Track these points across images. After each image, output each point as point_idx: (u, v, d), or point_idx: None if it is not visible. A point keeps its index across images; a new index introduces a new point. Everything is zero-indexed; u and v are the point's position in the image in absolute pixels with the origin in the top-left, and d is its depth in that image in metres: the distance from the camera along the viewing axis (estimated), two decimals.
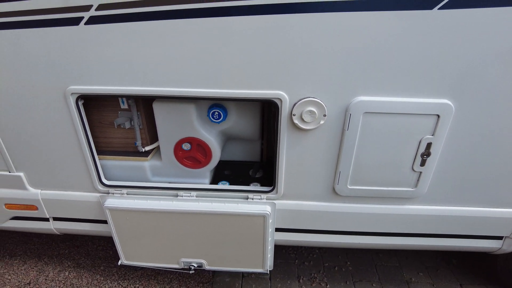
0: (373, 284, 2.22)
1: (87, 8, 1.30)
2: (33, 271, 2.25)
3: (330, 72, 1.35)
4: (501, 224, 1.74)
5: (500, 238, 1.81)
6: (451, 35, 1.25)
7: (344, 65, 1.33)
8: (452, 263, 2.41)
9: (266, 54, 1.33)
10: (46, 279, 2.19)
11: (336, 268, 2.35)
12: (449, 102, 1.38)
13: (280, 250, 2.48)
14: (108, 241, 2.55)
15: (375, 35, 1.26)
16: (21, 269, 2.27)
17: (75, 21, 1.33)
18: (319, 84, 1.39)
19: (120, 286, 2.15)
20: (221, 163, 2.04)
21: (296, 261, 2.40)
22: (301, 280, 2.24)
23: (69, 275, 2.23)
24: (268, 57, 1.34)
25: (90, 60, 1.41)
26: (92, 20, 1.33)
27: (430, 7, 1.21)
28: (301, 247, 2.52)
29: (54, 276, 2.22)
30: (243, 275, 2.26)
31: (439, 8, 1.21)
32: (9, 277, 2.20)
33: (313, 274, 2.29)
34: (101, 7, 1.30)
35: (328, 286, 2.21)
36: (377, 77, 1.35)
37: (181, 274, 2.25)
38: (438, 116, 1.41)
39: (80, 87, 1.47)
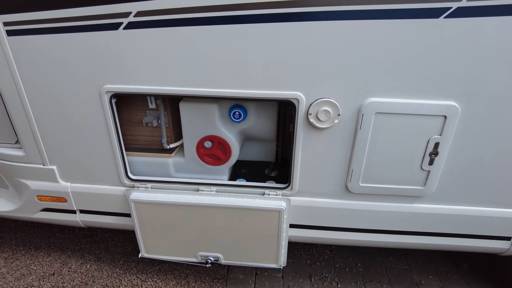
0: (383, 285, 2.27)
1: (126, 14, 1.46)
2: (57, 263, 2.37)
3: (344, 74, 1.47)
4: (509, 225, 1.80)
5: (508, 239, 1.86)
6: (456, 42, 1.36)
7: (357, 68, 1.45)
8: (462, 267, 2.44)
9: (285, 58, 1.46)
10: (69, 271, 2.30)
11: (347, 269, 2.40)
12: (456, 104, 1.48)
13: (292, 250, 2.56)
14: (126, 237, 2.66)
15: (386, 42, 1.38)
16: (46, 261, 2.39)
17: (115, 26, 1.49)
18: (334, 86, 1.50)
19: (139, 279, 2.25)
20: (239, 163, 2.16)
21: (308, 261, 2.47)
22: (312, 279, 2.31)
23: (90, 268, 2.34)
24: (287, 60, 1.46)
25: (125, 61, 1.56)
26: (130, 26, 1.48)
27: (436, 16, 1.33)
28: (313, 248, 2.59)
29: (77, 268, 2.33)
30: (256, 272, 2.34)
31: (445, 17, 1.32)
32: (35, 268, 2.32)
33: (324, 274, 2.35)
34: (139, 14, 1.45)
35: (339, 285, 2.27)
36: (388, 80, 1.46)
37: (196, 270, 2.33)
38: (445, 117, 1.51)
39: (114, 86, 1.61)
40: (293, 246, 2.61)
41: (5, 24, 1.53)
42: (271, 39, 1.43)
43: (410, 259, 2.51)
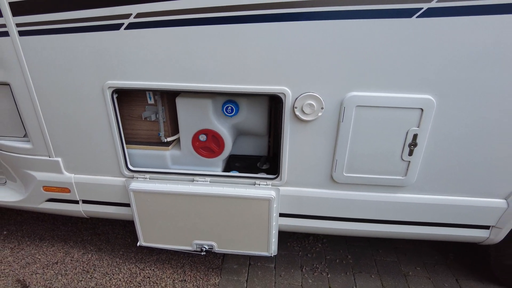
0: (372, 276, 2.37)
1: (127, 16, 1.60)
2: (60, 252, 2.49)
3: (327, 70, 1.60)
4: (487, 214, 1.90)
5: (487, 227, 1.95)
6: (428, 39, 1.48)
7: (338, 64, 1.58)
8: (449, 258, 2.53)
9: (273, 56, 1.59)
10: (71, 260, 2.42)
11: (337, 261, 2.50)
12: (431, 97, 1.60)
13: (285, 243, 2.66)
14: (126, 230, 2.77)
15: (365, 39, 1.51)
16: (50, 251, 2.51)
17: (117, 27, 1.63)
18: (317, 81, 1.63)
19: (138, 268, 2.36)
20: (233, 157, 2.28)
21: (300, 253, 2.57)
22: (303, 270, 2.40)
23: (92, 257, 2.45)
24: (275, 58, 1.59)
25: (126, 58, 1.69)
26: (130, 26, 1.62)
27: (409, 16, 1.45)
28: (305, 241, 2.69)
29: (79, 258, 2.44)
30: (250, 263, 2.44)
31: (417, 17, 1.45)
32: (39, 257, 2.44)
33: (315, 265, 2.45)
34: (138, 15, 1.59)
35: (329, 275, 2.36)
36: (367, 75, 1.59)
37: (192, 260, 2.44)
38: (422, 109, 1.63)
39: (116, 82, 1.75)
40: (285, 239, 2.71)
41: (18, 25, 1.67)
42: (261, 38, 1.56)
43: (399, 252, 2.60)
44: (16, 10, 1.64)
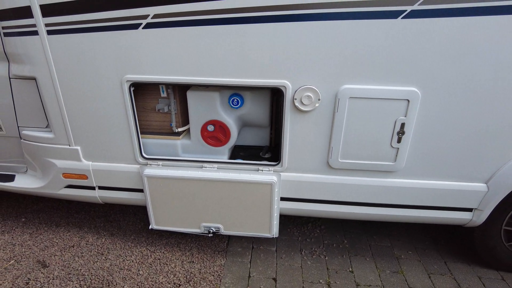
0: (367, 259, 2.55)
1: (145, 17, 1.79)
2: (75, 237, 2.67)
3: (323, 65, 1.79)
4: (469, 197, 2.08)
5: (470, 210, 2.14)
6: (412, 37, 1.67)
7: (333, 60, 1.77)
8: (439, 243, 2.71)
9: (275, 53, 1.78)
10: (86, 243, 2.60)
11: (334, 245, 2.68)
12: (416, 90, 1.79)
13: (285, 229, 2.84)
14: (137, 218, 2.96)
15: (356, 38, 1.70)
16: (66, 235, 2.69)
17: (135, 26, 1.82)
18: (314, 75, 1.82)
19: (148, 250, 2.54)
20: (237, 147, 2.47)
21: (299, 238, 2.75)
22: (303, 253, 2.58)
23: (105, 241, 2.64)
24: (277, 54, 1.79)
25: (143, 55, 1.88)
26: (148, 26, 1.81)
27: (395, 17, 1.65)
28: (304, 227, 2.88)
29: (93, 241, 2.63)
30: (253, 246, 2.62)
31: (402, 18, 1.64)
32: (57, 241, 2.62)
33: (313, 249, 2.63)
34: (155, 16, 1.78)
35: (326, 258, 2.54)
36: (359, 70, 1.78)
37: (199, 243, 2.62)
38: (408, 100, 1.82)
39: (134, 76, 1.94)
40: (286, 224, 2.89)
41: (46, 25, 1.87)
42: (264, 37, 1.75)
43: (393, 238, 2.79)
44: (46, 11, 1.84)
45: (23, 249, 2.54)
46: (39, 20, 1.86)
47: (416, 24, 1.65)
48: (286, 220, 2.98)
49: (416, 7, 1.61)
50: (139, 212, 3.05)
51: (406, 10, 1.63)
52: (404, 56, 1.73)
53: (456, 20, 1.62)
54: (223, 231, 2.33)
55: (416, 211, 2.18)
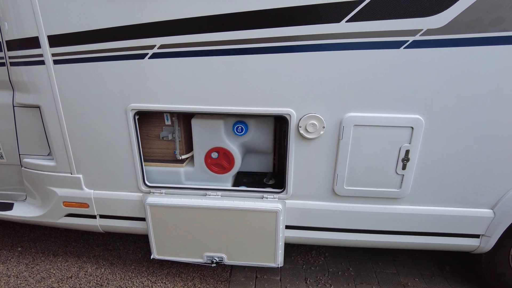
0: (373, 287, 2.48)
1: (152, 47, 1.82)
2: (74, 267, 2.59)
3: (327, 94, 1.81)
4: (475, 223, 2.06)
5: (477, 236, 2.11)
6: (414, 66, 1.71)
7: (337, 89, 1.80)
8: (446, 270, 2.66)
9: (280, 82, 1.81)
10: (85, 274, 2.52)
11: (339, 273, 2.62)
12: (420, 117, 1.81)
13: (289, 257, 2.78)
14: (137, 246, 2.89)
15: (360, 67, 1.74)
16: (64, 266, 2.61)
17: (142, 56, 1.85)
18: (319, 103, 1.84)
19: (149, 281, 2.46)
20: (240, 173, 2.45)
21: (304, 266, 2.69)
22: (308, 282, 2.52)
23: (105, 272, 2.56)
24: (281, 83, 1.81)
25: (148, 84, 1.90)
26: (154, 56, 1.84)
27: (398, 47, 1.69)
28: (308, 254, 2.82)
29: (92, 272, 2.55)
30: (257, 275, 2.55)
31: (404, 48, 1.69)
32: (54, 271, 2.54)
33: (318, 277, 2.57)
34: (161, 46, 1.81)
35: (332, 287, 2.48)
36: (363, 98, 1.80)
37: (202, 273, 2.55)
38: (412, 128, 1.83)
39: (139, 104, 1.95)
40: (290, 252, 2.83)
41: (53, 55, 1.89)
42: (269, 67, 1.78)
43: (398, 264, 2.73)
44: (53, 41, 1.86)
45: (19, 281, 2.45)
46: (46, 50, 1.88)
47: (417, 54, 1.69)
48: (289, 247, 2.92)
49: (417, 37, 1.65)
50: (139, 240, 2.98)
51: (408, 41, 1.67)
52: (407, 85, 1.76)
53: (456, 50, 1.66)
54: (227, 261, 2.27)
55: (423, 238, 2.15)
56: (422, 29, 1.63)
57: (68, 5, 1.78)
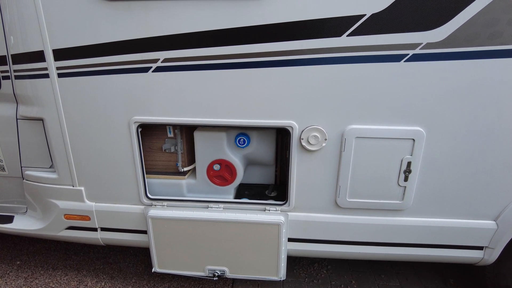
0: None
1: (155, 60, 1.84)
2: (74, 281, 2.56)
3: (329, 106, 1.83)
4: (478, 235, 2.05)
5: (481, 248, 2.10)
6: (415, 79, 1.73)
7: (339, 101, 1.81)
8: (449, 283, 2.63)
9: (282, 94, 1.83)
10: None
11: (342, 286, 2.59)
12: (421, 129, 1.83)
13: (292, 270, 2.75)
14: (137, 259, 2.86)
15: (362, 80, 1.76)
16: (63, 279, 2.57)
17: (145, 70, 1.87)
18: (321, 115, 1.86)
19: None
20: (242, 185, 2.45)
21: (306, 279, 2.66)
22: None
23: (105, 285, 2.52)
24: (283, 96, 1.83)
25: (151, 97, 1.92)
26: (157, 69, 1.86)
27: (398, 60, 1.72)
28: (310, 267, 2.79)
29: (92, 286, 2.51)
30: None
31: (404, 61, 1.71)
32: (53, 286, 2.51)
33: None
34: (165, 60, 1.84)
35: None
36: (365, 110, 1.82)
37: (203, 287, 2.52)
38: (414, 140, 1.85)
39: (142, 117, 1.96)
40: (292, 265, 2.80)
41: (58, 68, 1.91)
42: (271, 80, 1.80)
43: (401, 277, 2.70)
44: (58, 55, 1.89)
45: None
46: (51, 64, 1.90)
47: (418, 67, 1.71)
48: (291, 260, 2.89)
49: (417, 51, 1.68)
50: (140, 253, 2.95)
51: (408, 54, 1.70)
52: (408, 97, 1.77)
53: (455, 63, 1.68)
54: (229, 274, 2.25)
55: (426, 250, 2.14)
56: (422, 43, 1.66)
57: (73, 19, 1.81)
